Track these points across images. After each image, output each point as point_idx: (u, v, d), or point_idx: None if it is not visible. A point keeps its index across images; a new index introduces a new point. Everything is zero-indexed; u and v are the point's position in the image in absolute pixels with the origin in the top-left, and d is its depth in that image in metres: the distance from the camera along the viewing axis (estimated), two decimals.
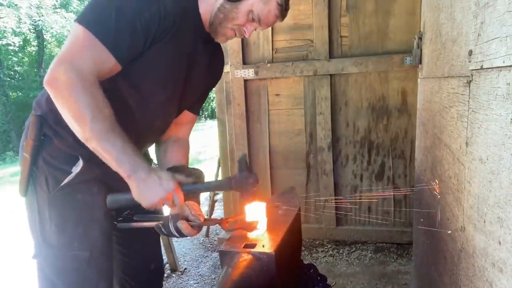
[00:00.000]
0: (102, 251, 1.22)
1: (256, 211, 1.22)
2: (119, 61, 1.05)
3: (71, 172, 1.16)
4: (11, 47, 15.24)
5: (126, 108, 1.16)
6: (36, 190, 1.18)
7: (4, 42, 14.68)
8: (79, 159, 1.16)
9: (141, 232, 1.28)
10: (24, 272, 2.92)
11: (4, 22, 13.68)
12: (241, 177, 1.15)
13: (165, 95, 1.22)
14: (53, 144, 1.16)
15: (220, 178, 3.24)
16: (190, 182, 1.16)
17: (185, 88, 1.26)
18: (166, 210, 1.24)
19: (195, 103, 1.43)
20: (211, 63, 1.33)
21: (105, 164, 1.07)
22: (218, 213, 3.70)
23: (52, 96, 1.01)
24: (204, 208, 3.62)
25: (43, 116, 1.16)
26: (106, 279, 1.25)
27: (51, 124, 1.16)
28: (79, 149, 1.14)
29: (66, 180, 1.15)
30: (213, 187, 1.30)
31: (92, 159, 1.16)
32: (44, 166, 1.16)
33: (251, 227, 1.19)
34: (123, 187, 1.09)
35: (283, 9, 1.19)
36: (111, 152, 1.02)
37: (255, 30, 1.23)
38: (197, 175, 1.27)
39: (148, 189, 1.06)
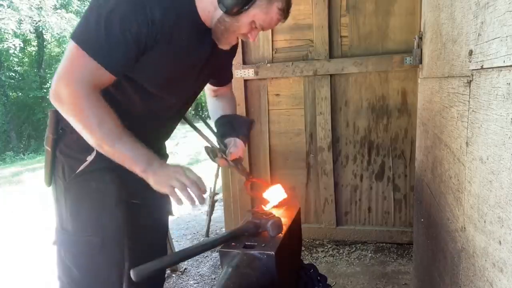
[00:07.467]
0: (114, 239, 1.24)
1: (276, 193, 1.41)
2: (113, 74, 1.08)
3: (86, 161, 1.21)
4: (11, 51, 15.23)
5: (133, 109, 1.22)
6: (55, 179, 1.25)
7: (5, 46, 14.67)
8: (93, 149, 1.20)
9: (149, 226, 1.31)
10: (24, 271, 2.93)
11: (4, 24, 13.64)
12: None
13: (166, 96, 1.26)
14: (68, 136, 1.22)
15: (220, 177, 3.24)
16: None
17: (190, 84, 1.31)
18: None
19: (221, 76, 1.51)
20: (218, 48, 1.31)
21: None
22: (218, 213, 3.70)
23: (59, 111, 1.08)
24: (204, 208, 3.62)
25: (58, 111, 1.20)
26: (117, 268, 1.26)
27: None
28: None
29: (81, 168, 1.21)
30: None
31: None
32: (60, 156, 1.23)
33: (265, 202, 1.36)
34: (134, 177, 1.13)
35: (285, 11, 1.18)
36: (125, 153, 1.09)
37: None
38: (247, 122, 1.49)
39: (164, 173, 1.11)
